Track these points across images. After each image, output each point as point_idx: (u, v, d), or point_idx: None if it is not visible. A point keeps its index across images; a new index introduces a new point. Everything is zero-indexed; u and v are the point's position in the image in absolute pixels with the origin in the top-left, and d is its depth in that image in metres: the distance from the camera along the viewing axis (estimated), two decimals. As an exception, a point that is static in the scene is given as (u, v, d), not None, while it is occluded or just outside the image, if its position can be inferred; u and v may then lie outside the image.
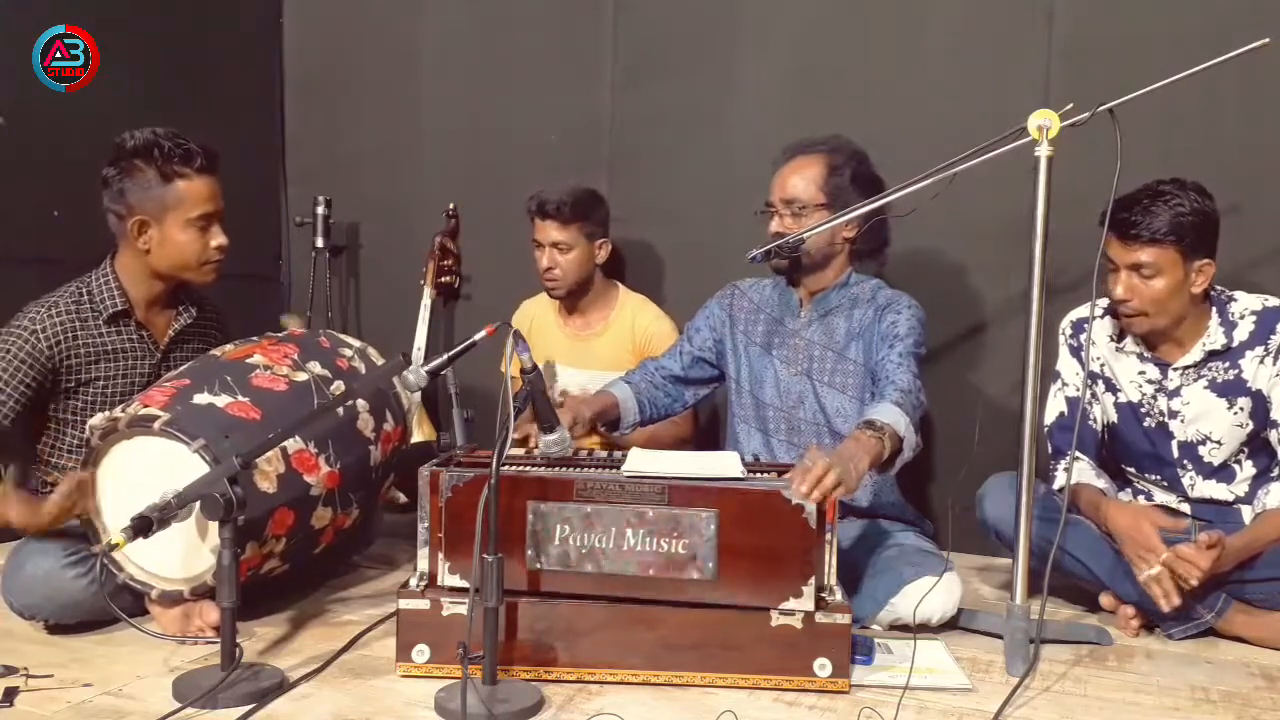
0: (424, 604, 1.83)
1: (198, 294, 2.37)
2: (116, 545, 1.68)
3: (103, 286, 2.22)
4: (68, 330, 2.16)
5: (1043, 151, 1.91)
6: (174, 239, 2.19)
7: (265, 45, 3.70)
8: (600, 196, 2.97)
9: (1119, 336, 2.33)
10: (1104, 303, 2.28)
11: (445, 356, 1.89)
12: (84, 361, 2.19)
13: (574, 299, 2.97)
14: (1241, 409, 2.21)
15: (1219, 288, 2.26)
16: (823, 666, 1.81)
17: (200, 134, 2.23)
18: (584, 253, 2.91)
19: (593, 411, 2.33)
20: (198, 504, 1.74)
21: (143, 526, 1.69)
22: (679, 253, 3.23)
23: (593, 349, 2.97)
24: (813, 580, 1.79)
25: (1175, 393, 2.26)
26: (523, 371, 1.94)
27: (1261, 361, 2.19)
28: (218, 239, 2.23)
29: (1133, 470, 2.39)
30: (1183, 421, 2.26)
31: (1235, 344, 2.21)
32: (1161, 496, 2.34)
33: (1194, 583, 2.05)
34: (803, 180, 2.36)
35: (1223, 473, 2.27)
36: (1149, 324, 2.19)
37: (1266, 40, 1.97)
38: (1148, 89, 1.98)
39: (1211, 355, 2.22)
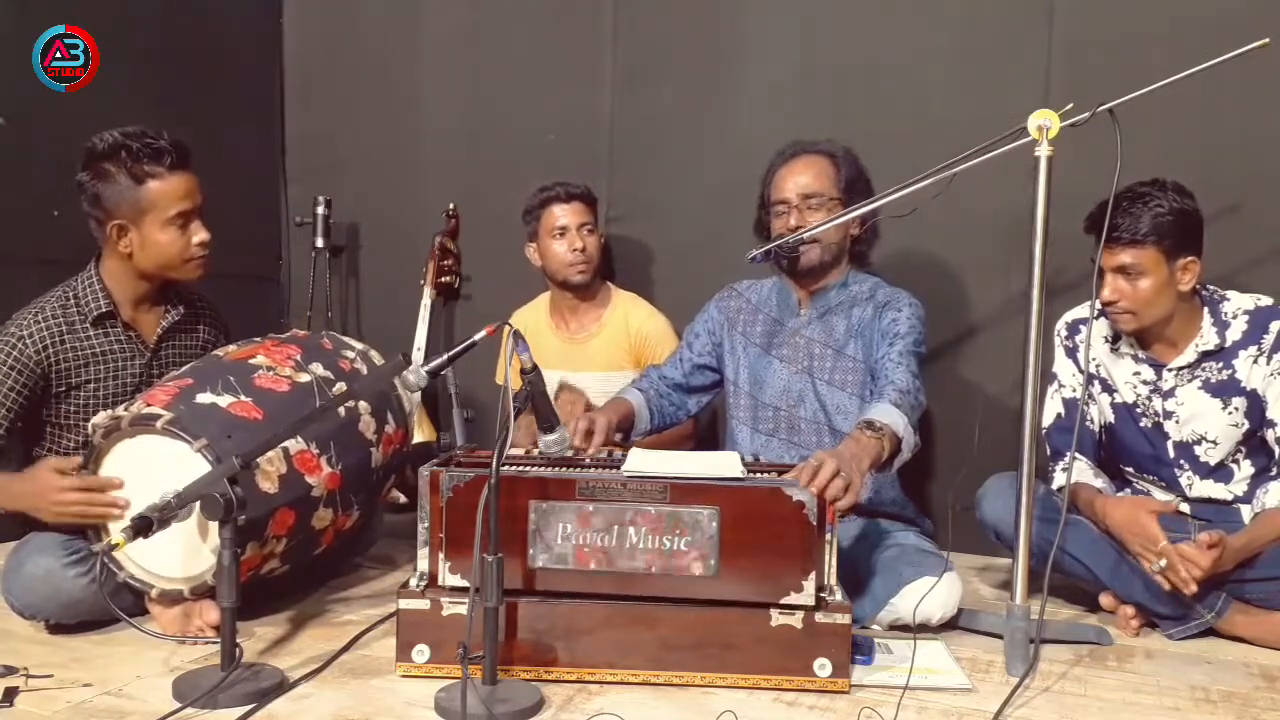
0: (424, 604, 1.84)
1: (185, 289, 2.35)
2: (116, 545, 1.68)
3: (87, 289, 2.20)
4: (55, 335, 2.15)
5: (1043, 151, 1.91)
6: (154, 240, 2.16)
7: (265, 45, 3.70)
8: None
9: (1114, 338, 2.33)
10: (1098, 304, 2.29)
11: (445, 357, 1.89)
12: (73, 365, 2.17)
13: (589, 290, 2.96)
14: (1236, 409, 2.21)
15: (1211, 287, 2.26)
16: (823, 666, 1.81)
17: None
18: (599, 236, 2.96)
19: (616, 418, 2.31)
20: (198, 504, 1.73)
21: (142, 526, 1.69)
22: (678, 253, 3.23)
23: (588, 351, 2.96)
24: (813, 575, 1.80)
25: (1170, 393, 2.26)
26: (523, 371, 1.94)
27: (1255, 361, 2.19)
28: (199, 234, 2.20)
29: (1131, 470, 2.40)
30: (1178, 422, 2.26)
31: (1228, 344, 2.21)
32: (1160, 496, 2.33)
33: (1194, 584, 2.05)
34: (818, 175, 2.38)
35: (1220, 472, 2.27)
36: (1137, 323, 2.20)
37: (1266, 40, 1.97)
38: (1148, 89, 1.98)
39: (1205, 356, 2.23)
